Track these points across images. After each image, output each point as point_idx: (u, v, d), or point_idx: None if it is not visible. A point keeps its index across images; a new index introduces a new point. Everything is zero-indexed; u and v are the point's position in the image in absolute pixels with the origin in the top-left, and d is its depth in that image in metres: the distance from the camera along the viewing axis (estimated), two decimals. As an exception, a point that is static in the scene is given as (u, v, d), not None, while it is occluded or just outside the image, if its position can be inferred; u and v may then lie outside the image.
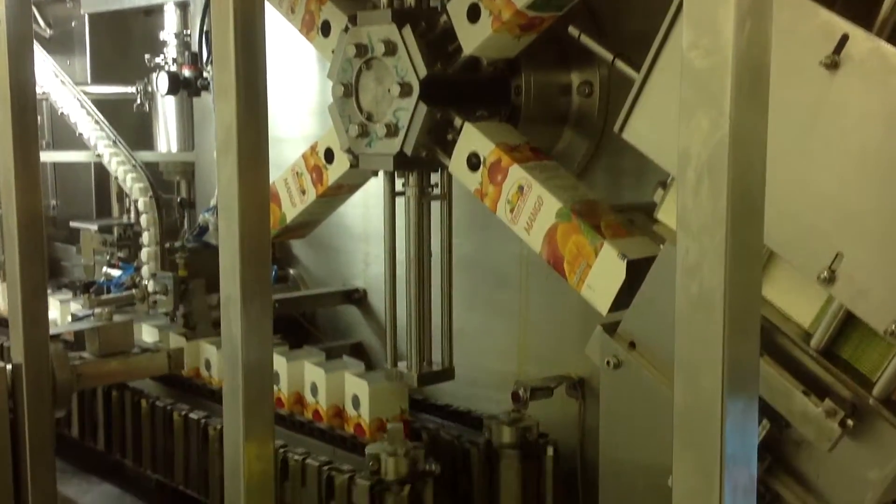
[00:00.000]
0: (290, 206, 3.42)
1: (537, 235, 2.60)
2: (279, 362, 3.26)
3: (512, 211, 2.65)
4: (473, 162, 2.74)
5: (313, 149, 3.28)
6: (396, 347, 3.14)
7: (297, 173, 3.36)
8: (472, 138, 2.75)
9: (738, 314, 1.47)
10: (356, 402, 3.15)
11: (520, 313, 3.43)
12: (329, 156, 3.21)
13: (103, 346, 3.43)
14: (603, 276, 2.47)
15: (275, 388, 3.19)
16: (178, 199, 4.78)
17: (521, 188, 2.62)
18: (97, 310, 3.56)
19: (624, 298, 2.46)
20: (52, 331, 3.49)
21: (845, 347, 2.11)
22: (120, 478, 3.96)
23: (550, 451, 2.96)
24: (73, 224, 4.85)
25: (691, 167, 1.47)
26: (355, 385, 3.15)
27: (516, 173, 2.63)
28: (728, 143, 1.43)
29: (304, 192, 3.35)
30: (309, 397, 3.29)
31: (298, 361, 3.33)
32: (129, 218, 4.63)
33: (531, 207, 2.60)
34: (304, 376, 3.30)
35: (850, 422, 2.02)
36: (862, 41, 1.90)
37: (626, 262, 2.42)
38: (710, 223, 1.45)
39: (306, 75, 4.05)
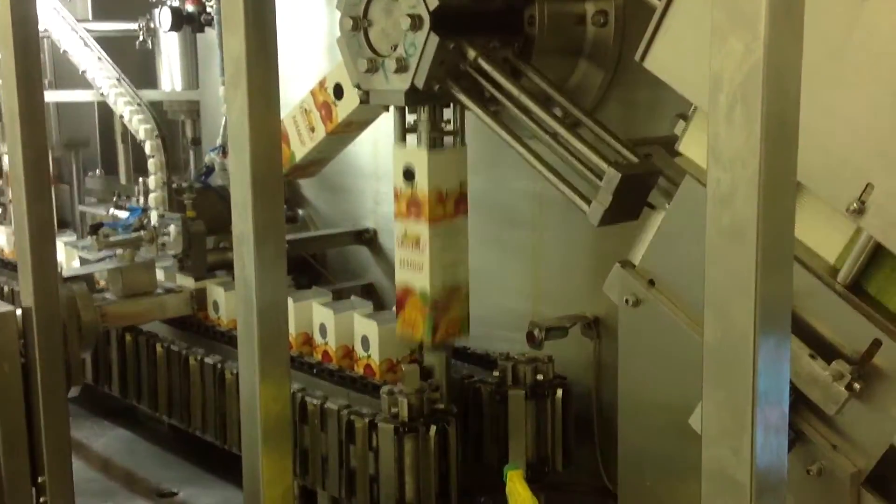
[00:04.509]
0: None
1: None
2: (286, 303, 3.22)
3: None
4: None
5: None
6: (409, 287, 3.09)
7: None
8: None
9: (771, 246, 1.41)
10: (365, 342, 3.11)
11: (533, 252, 3.39)
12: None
13: (127, 286, 3.43)
14: None
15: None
16: (188, 139, 4.72)
17: None
18: (119, 251, 3.54)
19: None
20: (70, 272, 3.48)
21: (872, 282, 2.07)
22: (132, 422, 3.96)
23: (559, 392, 2.93)
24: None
25: (723, 94, 1.40)
26: (365, 326, 3.12)
27: None
28: (762, 67, 1.36)
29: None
30: (318, 338, 3.26)
31: (306, 302, 3.29)
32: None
33: None
34: (313, 317, 3.26)
35: (857, 385, 1.99)
36: (897, -37, 1.82)
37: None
38: (744, 152, 1.39)
39: (313, 10, 3.95)
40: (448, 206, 2.85)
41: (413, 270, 2.83)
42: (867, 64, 1.88)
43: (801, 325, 2.08)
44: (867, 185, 1.89)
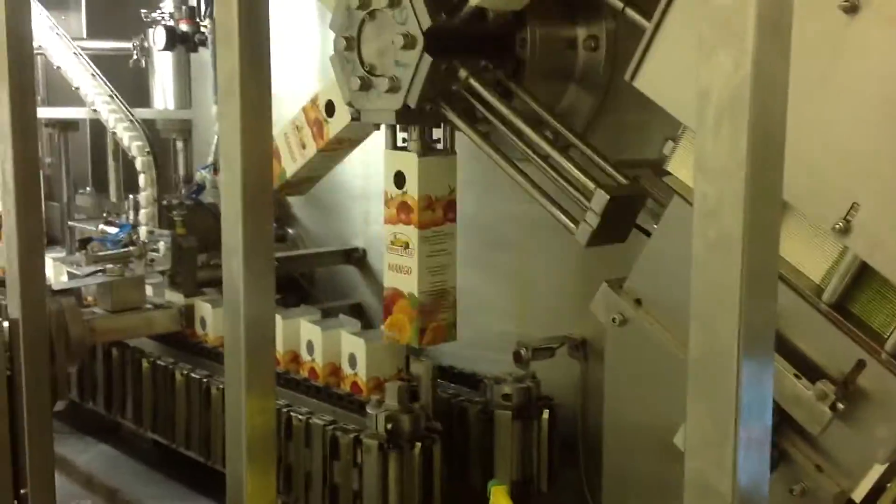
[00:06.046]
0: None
1: None
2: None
3: None
4: None
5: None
6: (397, 307, 3.09)
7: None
8: None
9: (756, 259, 1.42)
10: (353, 360, 3.12)
11: (521, 274, 3.40)
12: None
13: (116, 301, 3.43)
14: None
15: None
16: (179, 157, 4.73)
17: None
18: (109, 266, 3.54)
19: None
20: (59, 286, 3.47)
21: (857, 302, 2.08)
22: (116, 439, 3.94)
23: (546, 413, 2.93)
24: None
25: (711, 108, 1.42)
26: (352, 343, 3.13)
27: None
28: (750, 82, 1.38)
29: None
30: (305, 355, 3.26)
31: (294, 319, 3.29)
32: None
33: None
34: (301, 334, 3.27)
35: (840, 405, 1.99)
36: (882, -16, 1.85)
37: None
38: (730, 165, 1.41)
39: (306, 28, 3.98)
40: (437, 211, 2.88)
41: (402, 274, 2.87)
42: (854, 83, 1.90)
43: (785, 345, 2.08)
44: (853, 205, 1.90)
